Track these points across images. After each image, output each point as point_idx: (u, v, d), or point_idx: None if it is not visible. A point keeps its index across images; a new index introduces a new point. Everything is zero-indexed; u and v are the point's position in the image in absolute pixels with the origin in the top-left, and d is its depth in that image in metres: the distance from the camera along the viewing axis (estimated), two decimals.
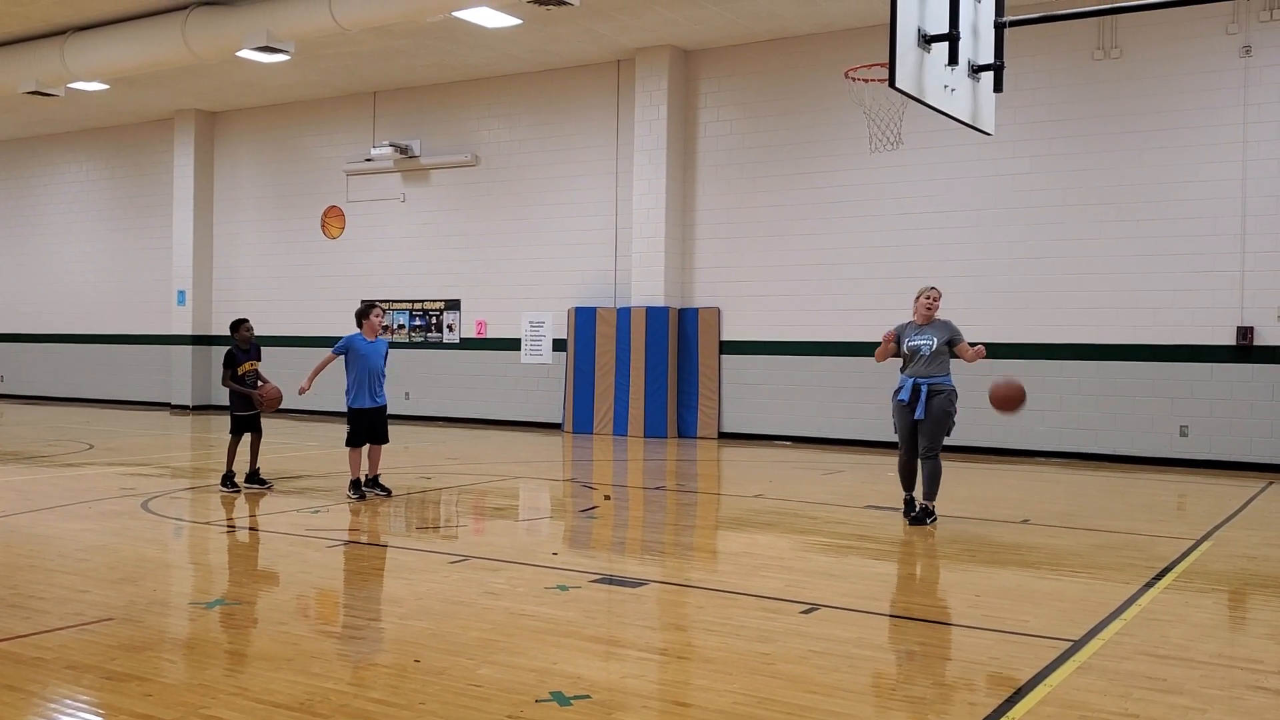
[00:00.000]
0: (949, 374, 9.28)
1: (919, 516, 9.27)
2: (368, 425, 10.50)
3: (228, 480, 10.88)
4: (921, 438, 9.22)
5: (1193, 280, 14.32)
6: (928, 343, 9.27)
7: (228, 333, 21.99)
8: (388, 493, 10.62)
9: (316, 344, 21.23)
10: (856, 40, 16.17)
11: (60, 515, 9.34)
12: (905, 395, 9.30)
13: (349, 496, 10.38)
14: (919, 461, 9.32)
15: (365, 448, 10.55)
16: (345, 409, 10.57)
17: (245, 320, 11.20)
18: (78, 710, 4.54)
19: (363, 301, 11.10)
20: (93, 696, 4.66)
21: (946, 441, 9.34)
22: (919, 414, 9.18)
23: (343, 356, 10.46)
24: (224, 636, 5.67)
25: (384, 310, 10.87)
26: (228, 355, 10.96)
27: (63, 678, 4.88)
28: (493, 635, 5.59)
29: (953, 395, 9.25)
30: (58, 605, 6.16)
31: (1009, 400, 9.01)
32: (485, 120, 19.87)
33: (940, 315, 9.51)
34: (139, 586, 6.66)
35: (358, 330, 10.56)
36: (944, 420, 9.22)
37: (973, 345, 9.32)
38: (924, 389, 9.19)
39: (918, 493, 9.47)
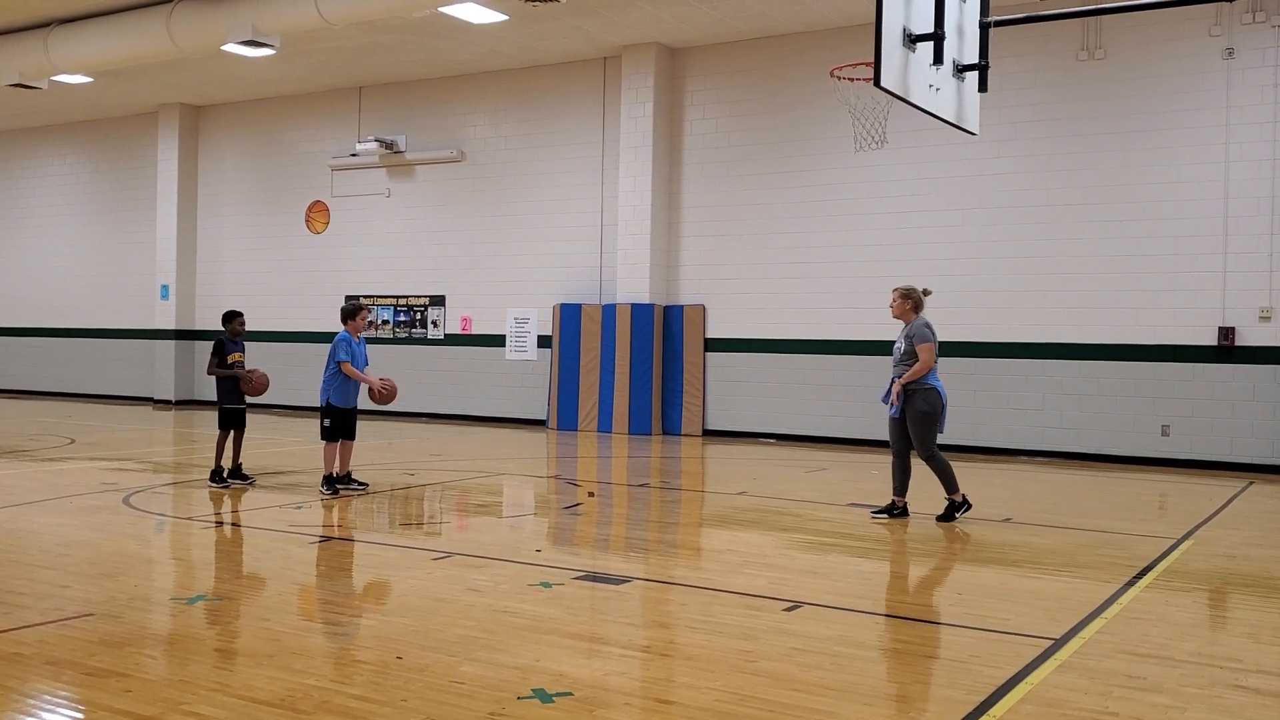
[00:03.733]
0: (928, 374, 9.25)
1: (948, 513, 9.32)
2: (345, 422, 10.50)
3: (217, 475, 10.83)
4: (913, 440, 9.33)
5: (1175, 280, 14.39)
6: (899, 345, 9.41)
7: (211, 327, 22.13)
8: (364, 486, 10.62)
9: (300, 339, 21.19)
10: (842, 39, 16.20)
11: (41, 510, 9.29)
12: (883, 394, 9.48)
13: (323, 492, 10.36)
14: (926, 463, 9.41)
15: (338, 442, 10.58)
16: (322, 403, 10.54)
17: (240, 314, 11.20)
18: (57, 706, 4.52)
19: (351, 300, 11.03)
20: (72, 692, 4.63)
21: (941, 439, 9.44)
22: (894, 413, 9.32)
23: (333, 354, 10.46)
24: (205, 632, 5.65)
25: (370, 309, 10.80)
26: (216, 343, 10.92)
27: (42, 673, 4.86)
28: (475, 632, 5.58)
29: (929, 394, 9.22)
30: (38, 601, 6.13)
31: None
32: (471, 116, 19.84)
33: (934, 315, 9.52)
34: (120, 582, 6.63)
35: (344, 328, 10.52)
36: (923, 420, 9.23)
37: (908, 364, 9.29)
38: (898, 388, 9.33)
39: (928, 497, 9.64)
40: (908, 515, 9.58)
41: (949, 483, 9.35)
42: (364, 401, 10.71)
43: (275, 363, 20.29)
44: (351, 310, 10.57)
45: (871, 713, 4.50)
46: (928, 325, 9.36)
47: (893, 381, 9.41)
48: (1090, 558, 7.92)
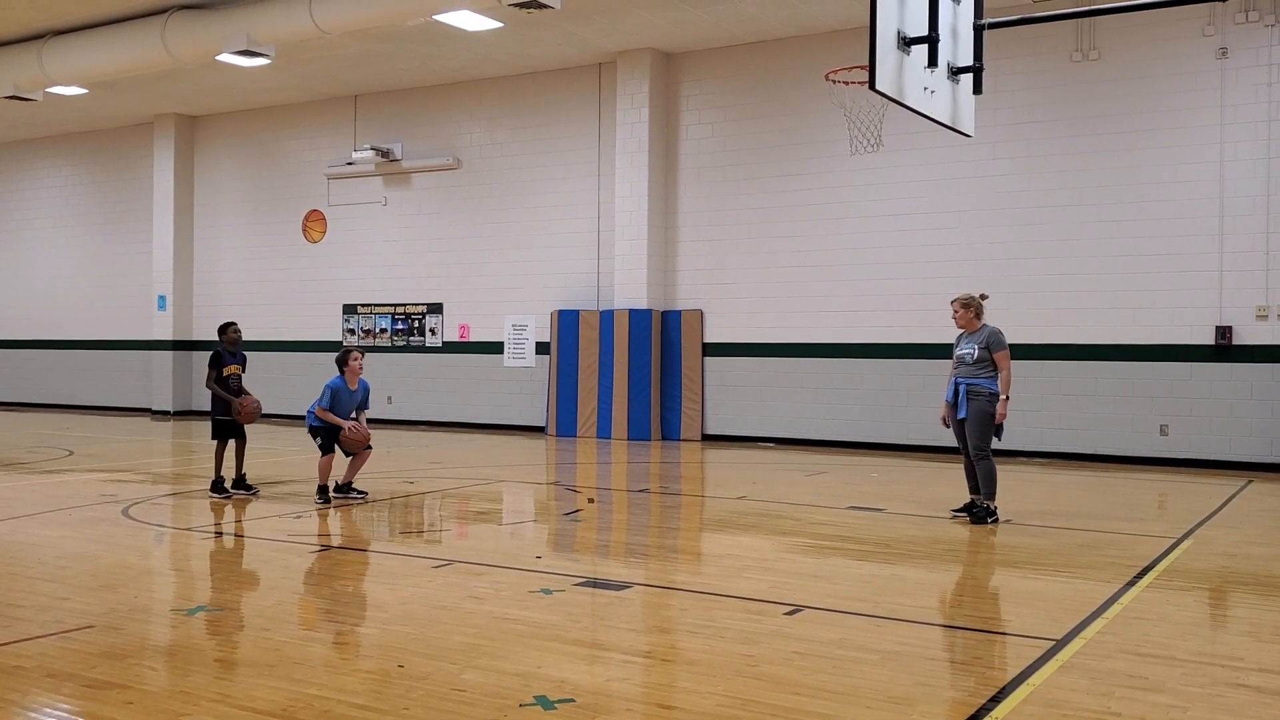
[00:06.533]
0: (992, 378, 9.44)
1: (979, 516, 9.43)
2: (335, 437, 10.49)
3: (218, 486, 10.80)
4: (969, 438, 9.49)
5: (1172, 280, 14.41)
6: (969, 351, 9.54)
7: (209, 338, 22.11)
8: (363, 495, 10.60)
9: (298, 349, 21.17)
10: (836, 43, 16.22)
11: (40, 522, 9.28)
12: (949, 394, 9.62)
13: (316, 502, 10.35)
14: (974, 463, 9.57)
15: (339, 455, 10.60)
16: (307, 427, 10.60)
17: (234, 324, 11.21)
18: (59, 719, 4.51)
19: (343, 349, 10.91)
20: (73, 705, 4.63)
21: (996, 445, 9.56)
22: (961, 413, 9.49)
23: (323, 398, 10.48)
24: (206, 643, 5.64)
25: (362, 354, 10.76)
26: (214, 356, 10.91)
27: (43, 686, 4.85)
28: (477, 640, 5.58)
29: (994, 398, 9.41)
30: (38, 613, 6.12)
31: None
32: (467, 123, 19.85)
33: (979, 318, 9.70)
34: (120, 594, 6.62)
35: (339, 375, 10.50)
36: (985, 421, 9.41)
37: (1004, 397, 9.45)
38: (962, 388, 9.48)
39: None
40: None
41: (992, 488, 9.50)
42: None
43: (273, 372, 20.33)
44: (341, 358, 10.56)
45: (874, 716, 4.50)
46: (1001, 331, 9.60)
47: (956, 385, 9.54)
48: (1090, 558, 7.92)
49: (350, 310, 20.72)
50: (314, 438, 10.55)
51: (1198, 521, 9.75)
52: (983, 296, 9.82)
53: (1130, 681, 4.96)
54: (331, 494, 10.48)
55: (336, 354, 10.72)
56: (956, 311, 9.70)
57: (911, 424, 15.88)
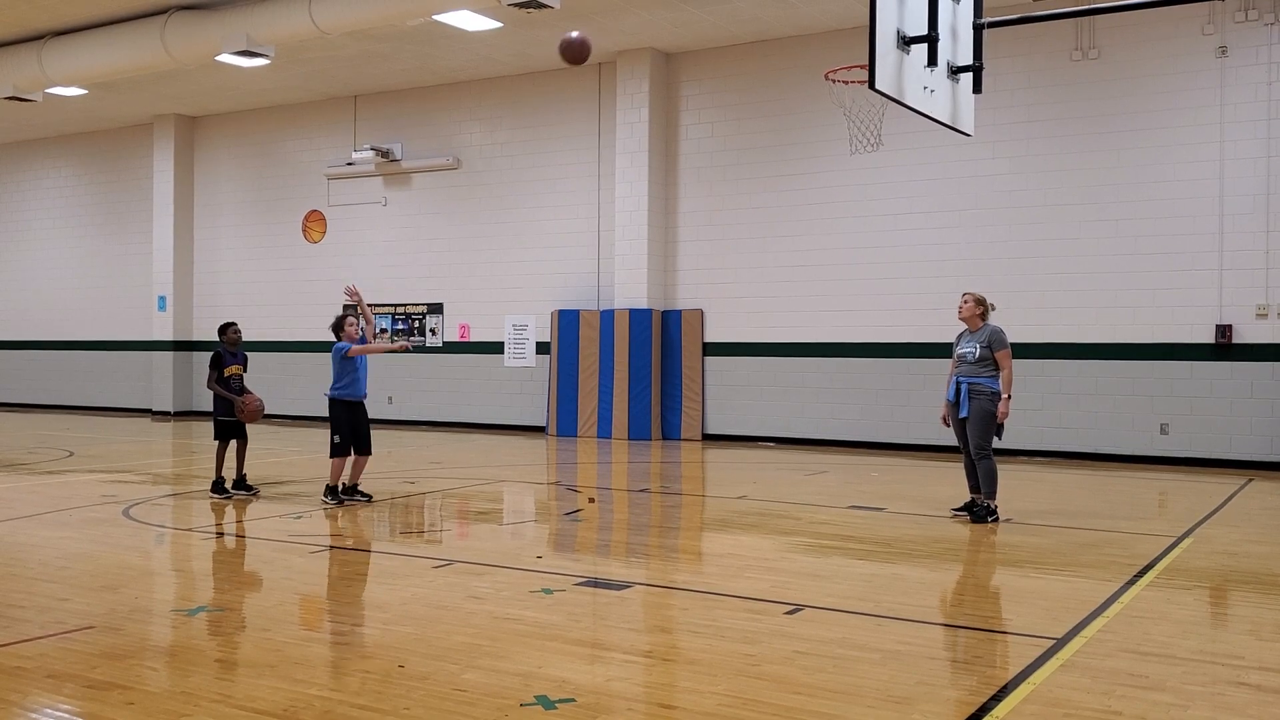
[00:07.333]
0: (994, 377, 9.46)
1: (979, 515, 9.44)
2: (351, 424, 10.38)
3: (218, 486, 10.80)
4: (970, 437, 9.50)
5: (1172, 279, 14.41)
6: (970, 350, 9.56)
7: (209, 338, 22.12)
8: (368, 498, 10.56)
9: (298, 349, 21.18)
10: (836, 42, 16.22)
11: (41, 523, 9.28)
12: (950, 393, 9.64)
13: (325, 501, 10.31)
14: (975, 462, 9.59)
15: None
16: (328, 401, 10.52)
17: (234, 324, 11.22)
18: (59, 719, 4.51)
19: (336, 317, 10.90)
20: (74, 705, 4.63)
21: (997, 444, 9.58)
22: (962, 412, 9.51)
23: (337, 357, 10.47)
24: (206, 643, 5.64)
25: (357, 318, 10.80)
26: (214, 356, 10.91)
27: (43, 687, 4.85)
28: (477, 639, 5.58)
29: (995, 397, 9.43)
30: (38, 614, 6.12)
31: (574, 52, 9.56)
32: (467, 123, 19.85)
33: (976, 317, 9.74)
34: (120, 594, 6.62)
35: (338, 342, 10.55)
36: (986, 419, 9.43)
37: (1006, 396, 9.46)
38: (964, 387, 9.49)
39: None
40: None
41: (993, 487, 9.51)
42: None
43: (273, 373, 20.33)
44: (337, 324, 10.59)
45: (875, 715, 4.50)
46: (1003, 330, 9.66)
47: (958, 383, 9.55)
48: (1091, 557, 7.92)
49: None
50: (333, 435, 10.40)
51: (1198, 520, 9.75)
52: (992, 307, 9.87)
53: (1131, 680, 4.96)
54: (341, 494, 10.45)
55: (331, 323, 10.74)
56: (966, 303, 9.71)
57: (912, 423, 15.88)
